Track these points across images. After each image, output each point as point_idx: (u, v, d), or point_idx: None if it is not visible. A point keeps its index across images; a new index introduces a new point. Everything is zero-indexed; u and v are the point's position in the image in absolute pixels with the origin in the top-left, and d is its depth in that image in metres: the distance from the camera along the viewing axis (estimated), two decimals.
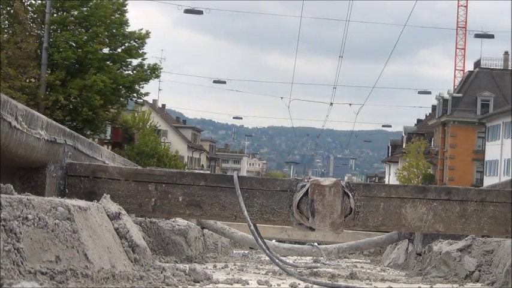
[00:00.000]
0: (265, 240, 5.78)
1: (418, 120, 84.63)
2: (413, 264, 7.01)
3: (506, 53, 68.86)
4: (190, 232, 6.29)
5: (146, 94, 32.63)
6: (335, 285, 4.46)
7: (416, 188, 4.95)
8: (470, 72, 68.54)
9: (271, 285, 4.31)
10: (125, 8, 30.61)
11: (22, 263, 2.59)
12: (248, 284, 4.26)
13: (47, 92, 28.27)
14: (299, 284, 4.36)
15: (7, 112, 3.35)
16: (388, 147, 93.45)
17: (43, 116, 4.00)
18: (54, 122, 4.23)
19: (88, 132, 30.30)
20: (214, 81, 73.82)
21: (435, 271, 5.84)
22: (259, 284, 4.33)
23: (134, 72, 30.83)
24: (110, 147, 36.28)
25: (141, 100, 34.70)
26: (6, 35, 27.40)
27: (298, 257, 8.54)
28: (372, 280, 5.31)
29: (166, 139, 72.34)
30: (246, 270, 5.59)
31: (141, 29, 30.82)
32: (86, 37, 28.87)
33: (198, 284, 3.99)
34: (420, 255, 6.83)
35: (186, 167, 71.27)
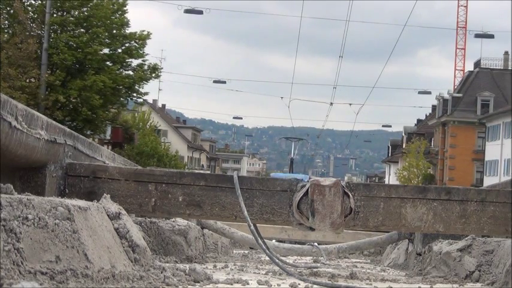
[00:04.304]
0: (265, 240, 5.78)
1: (418, 120, 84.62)
2: (413, 264, 7.01)
3: (506, 53, 68.84)
4: (190, 232, 6.30)
5: (146, 93, 32.68)
6: (335, 285, 4.46)
7: (416, 188, 4.95)
8: (470, 72, 68.53)
9: (271, 285, 4.31)
10: (125, 9, 30.60)
11: (22, 263, 2.59)
12: (248, 284, 4.26)
13: (47, 92, 28.28)
14: (299, 284, 4.36)
15: (7, 112, 3.35)
16: (388, 147, 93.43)
17: (43, 116, 4.00)
18: (54, 122, 4.23)
19: (88, 132, 30.30)
20: (214, 81, 73.84)
21: (435, 271, 5.84)
22: (259, 284, 4.33)
23: (134, 72, 30.84)
24: (110, 147, 36.27)
25: (141, 100, 34.72)
26: (6, 35, 27.40)
27: (298, 257, 8.54)
28: (372, 280, 5.31)
29: (166, 139, 72.34)
30: (246, 270, 5.59)
31: (143, 30, 30.85)
32: (86, 38, 28.87)
33: (198, 284, 3.99)
34: (420, 255, 6.83)
35: (186, 167, 71.26)
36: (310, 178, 4.97)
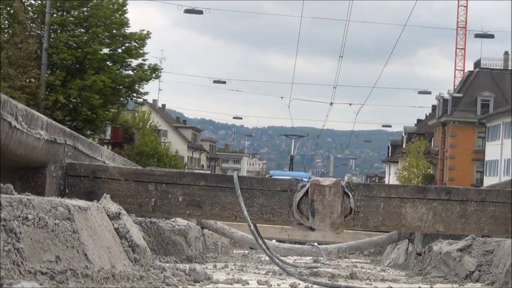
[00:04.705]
0: (265, 240, 5.78)
1: (418, 120, 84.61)
2: (413, 264, 7.01)
3: (506, 53, 68.85)
4: (190, 232, 6.30)
5: (146, 93, 32.71)
6: (335, 285, 4.46)
7: (416, 188, 4.95)
8: (470, 72, 68.54)
9: (271, 285, 4.31)
10: (125, 9, 30.62)
11: (22, 263, 2.59)
12: (248, 284, 4.26)
13: (47, 92, 28.29)
14: (299, 284, 4.36)
15: (7, 112, 3.35)
16: (388, 147, 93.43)
17: (43, 116, 4.00)
18: (54, 122, 4.23)
19: (88, 132, 30.31)
20: (214, 81, 73.84)
21: (435, 271, 5.84)
22: (259, 284, 4.33)
23: (134, 72, 30.86)
24: (110, 147, 36.26)
25: (141, 100, 34.74)
26: (6, 35, 27.41)
27: (298, 257, 8.54)
28: (372, 280, 5.31)
29: (166, 139, 72.34)
30: (246, 270, 5.59)
31: (143, 30, 30.88)
32: (86, 38, 28.89)
33: (198, 284, 3.99)
34: (420, 255, 6.83)
35: (186, 167, 71.26)
36: (310, 178, 4.97)
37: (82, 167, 4.81)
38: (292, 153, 48.48)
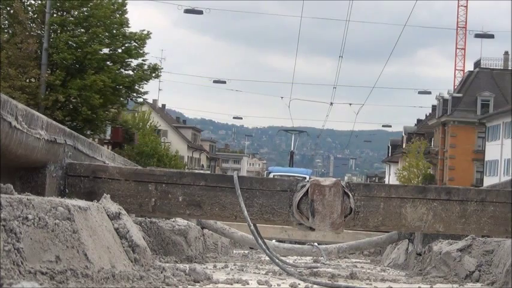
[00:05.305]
0: (265, 240, 5.77)
1: (418, 120, 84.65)
2: (413, 264, 7.01)
3: (506, 53, 68.84)
4: (190, 232, 6.30)
5: (146, 93, 32.73)
6: (335, 285, 4.46)
7: (416, 188, 4.95)
8: (470, 72, 68.53)
9: (271, 285, 4.31)
10: (125, 8, 30.64)
11: (22, 263, 2.59)
12: (248, 284, 4.26)
13: (47, 92, 28.30)
14: (299, 284, 4.36)
15: (7, 112, 3.35)
16: (388, 147, 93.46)
17: (43, 116, 4.00)
18: (54, 122, 4.23)
19: (88, 132, 30.33)
20: (214, 81, 73.89)
21: (435, 271, 5.84)
22: (259, 284, 4.33)
23: (134, 72, 30.88)
24: (110, 147, 36.29)
25: (141, 99, 34.77)
26: (6, 35, 27.43)
27: (298, 257, 8.54)
28: (372, 280, 5.31)
29: (166, 139, 72.36)
30: (246, 270, 5.59)
31: (143, 30, 30.90)
32: (86, 38, 28.90)
33: (198, 284, 3.99)
34: (420, 255, 6.83)
35: (186, 167, 71.26)
36: (310, 177, 4.98)
37: (82, 167, 4.81)
38: (292, 148, 47.39)
